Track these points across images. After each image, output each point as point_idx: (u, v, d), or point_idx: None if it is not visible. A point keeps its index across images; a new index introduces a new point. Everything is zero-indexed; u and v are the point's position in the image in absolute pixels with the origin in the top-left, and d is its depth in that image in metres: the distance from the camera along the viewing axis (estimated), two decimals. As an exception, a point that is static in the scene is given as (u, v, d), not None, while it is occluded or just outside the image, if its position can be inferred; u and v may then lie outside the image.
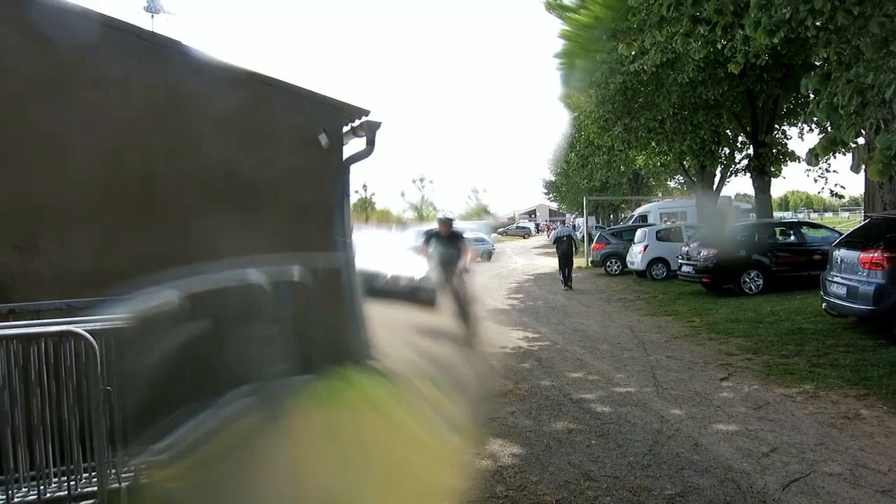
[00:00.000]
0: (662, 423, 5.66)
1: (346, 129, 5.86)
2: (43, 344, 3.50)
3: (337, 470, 4.06)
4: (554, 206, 70.18)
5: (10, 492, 3.46)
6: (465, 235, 9.57)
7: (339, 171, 5.80)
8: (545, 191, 52.96)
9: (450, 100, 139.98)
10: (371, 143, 5.82)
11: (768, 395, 6.40)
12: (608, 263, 21.28)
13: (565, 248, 17.39)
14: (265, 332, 4.38)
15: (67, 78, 4.70)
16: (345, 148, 6.05)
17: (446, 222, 9.10)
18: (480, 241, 33.33)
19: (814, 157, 7.03)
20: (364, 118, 5.68)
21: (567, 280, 17.24)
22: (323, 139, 5.49)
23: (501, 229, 68.93)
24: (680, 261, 15.02)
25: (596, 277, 20.84)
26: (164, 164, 5.01)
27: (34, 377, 3.47)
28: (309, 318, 4.78)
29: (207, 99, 5.19)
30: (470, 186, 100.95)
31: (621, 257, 20.56)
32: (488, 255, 32.59)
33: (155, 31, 5.05)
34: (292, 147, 5.53)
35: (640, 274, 18.81)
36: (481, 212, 68.68)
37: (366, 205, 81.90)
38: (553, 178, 47.43)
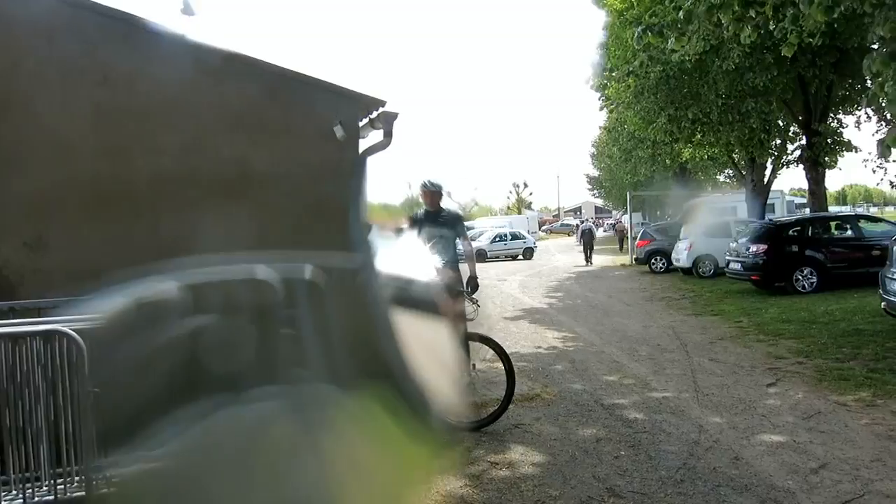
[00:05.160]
0: (700, 433, 5.25)
1: (364, 121, 5.62)
2: (28, 344, 3.36)
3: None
4: (599, 202, 68.92)
5: (-1, 495, 3.34)
6: (461, 216, 6.77)
7: (356, 163, 5.56)
8: (589, 186, 51.95)
9: (494, 95, 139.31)
10: (389, 135, 5.55)
11: (820, 403, 5.89)
12: (652, 261, 20.57)
13: (587, 237, 26.63)
14: (278, 332, 4.16)
15: (74, 74, 4.59)
16: (362, 140, 5.83)
17: (432, 191, 6.29)
18: (519, 237, 32.89)
19: (885, 148, 6.45)
20: (381, 109, 5.42)
21: (588, 258, 25.89)
22: (338, 131, 5.26)
23: (546, 227, 68.11)
24: (727, 257, 14.33)
25: (639, 275, 20.19)
26: (173, 160, 4.86)
27: (21, 378, 3.34)
28: (327, 322, 4.50)
29: (219, 92, 5.02)
30: (511, 181, 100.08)
31: (666, 254, 19.84)
32: (529, 253, 32.09)
33: (185, 30, 4.89)
34: (307, 139, 5.32)
35: (686, 271, 18.10)
36: (523, 207, 68.05)
37: (412, 204, 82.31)
38: (597, 174, 46.45)
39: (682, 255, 18.01)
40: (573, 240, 43.52)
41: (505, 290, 17.55)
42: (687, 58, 10.87)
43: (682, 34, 6.28)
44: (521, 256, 31.95)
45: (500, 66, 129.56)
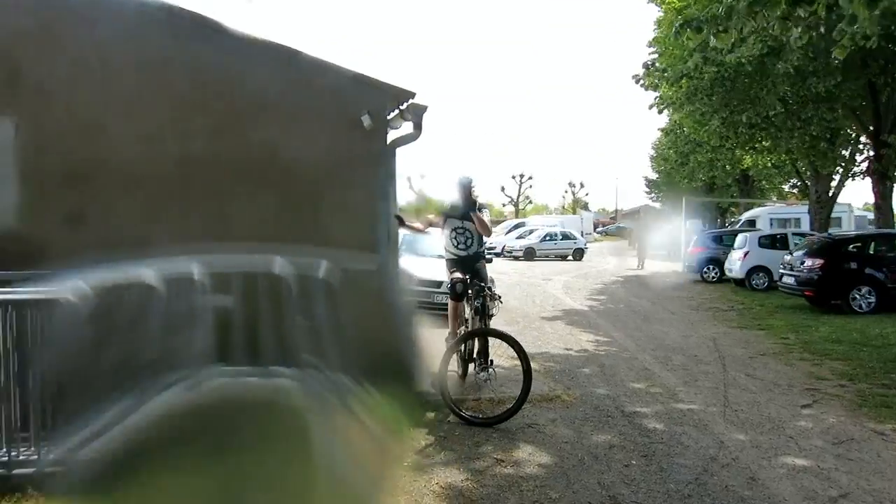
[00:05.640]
0: (720, 449, 5.07)
1: (393, 113, 5.64)
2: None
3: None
4: (658, 206, 67.28)
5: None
6: (477, 201, 6.52)
7: (384, 154, 5.60)
8: (647, 189, 50.68)
9: (549, 93, 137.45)
10: (418, 127, 5.57)
11: (855, 429, 5.59)
12: (705, 270, 19.95)
13: (641, 242, 27.23)
14: (291, 322, 4.25)
15: (112, 61, 4.77)
16: (394, 132, 5.86)
17: (461, 185, 6.36)
18: (570, 237, 32.45)
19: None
20: (410, 101, 5.44)
21: (641, 263, 26.04)
22: (366, 120, 5.30)
23: (601, 228, 66.92)
24: (781, 270, 13.76)
25: (690, 284, 19.62)
26: (203, 144, 5.00)
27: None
28: (337, 318, 4.56)
29: (250, 79, 5.13)
30: (567, 181, 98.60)
31: (720, 263, 19.20)
32: (579, 254, 31.64)
33: (246, 19, 5.03)
34: (335, 128, 5.38)
35: (739, 283, 17.48)
36: (578, 208, 67.09)
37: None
38: (655, 177, 45.28)
39: (735, 266, 17.40)
40: (627, 243, 42.67)
41: (548, 290, 17.37)
42: (744, 59, 10.44)
43: (722, 31, 5.98)
44: (570, 257, 31.56)
45: (560, 61, 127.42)
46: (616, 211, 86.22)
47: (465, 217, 6.37)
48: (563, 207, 75.13)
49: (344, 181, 5.42)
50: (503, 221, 47.79)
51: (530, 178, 69.53)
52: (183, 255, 4.09)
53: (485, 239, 6.71)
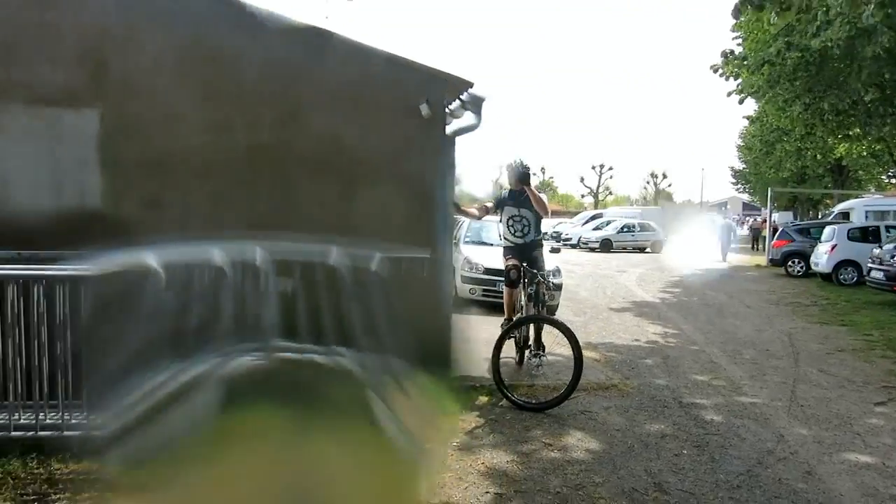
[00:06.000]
0: (778, 443, 4.95)
1: (455, 103, 5.76)
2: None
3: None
4: (746, 197, 64.25)
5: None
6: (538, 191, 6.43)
7: (444, 143, 5.75)
8: (733, 180, 48.48)
9: (632, 80, 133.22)
10: (478, 116, 5.68)
11: (931, 429, 5.32)
12: (789, 263, 19.02)
13: (725, 234, 25.90)
14: (344, 309, 4.50)
15: (188, 56, 5.14)
16: (457, 121, 5.98)
17: (517, 172, 6.33)
18: (649, 229, 31.62)
19: None
20: (469, 91, 5.55)
21: (724, 256, 25.24)
22: (424, 109, 5.46)
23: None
24: (869, 264, 12.98)
25: (772, 278, 18.76)
26: (270, 134, 5.30)
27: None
28: (390, 309, 4.78)
29: (316, 70, 5.39)
30: (649, 171, 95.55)
31: (805, 257, 18.25)
32: (658, 246, 30.79)
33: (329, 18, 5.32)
34: (395, 118, 5.56)
35: (826, 277, 16.58)
36: (661, 199, 65.06)
37: (544, 188, 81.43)
38: (742, 167, 43.28)
39: (821, 259, 16.52)
40: (711, 235, 41.10)
41: (620, 282, 17.08)
42: (829, 43, 9.83)
43: (785, 8, 5.68)
44: (649, 249, 30.76)
45: (639, 47, 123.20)
46: (702, 202, 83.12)
47: (522, 204, 6.43)
48: (645, 199, 73.06)
49: (403, 170, 5.61)
50: (579, 213, 47.04)
51: (610, 168, 68.03)
52: (248, 240, 4.39)
53: (544, 225, 6.74)
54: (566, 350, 6.24)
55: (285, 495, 3.56)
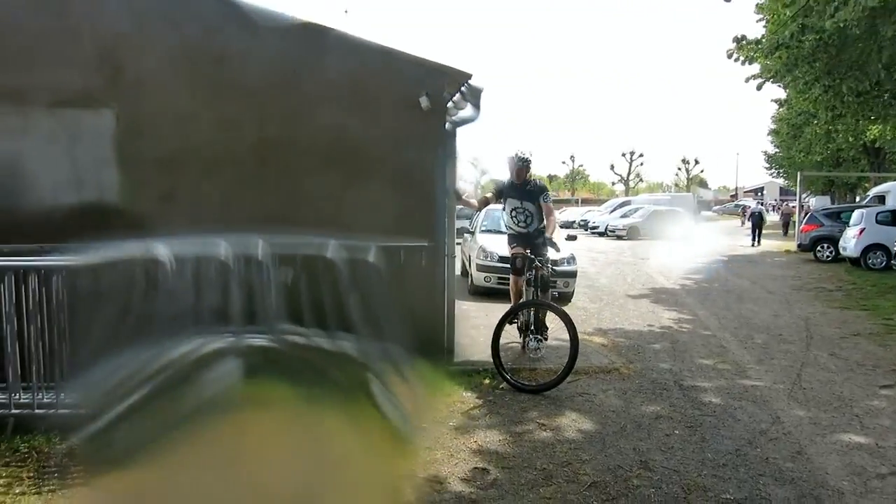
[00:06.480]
0: (773, 424, 5.02)
1: (455, 95, 5.91)
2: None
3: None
4: (782, 182, 62.83)
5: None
6: (547, 190, 6.78)
7: (443, 135, 5.90)
8: (766, 165, 47.43)
9: (662, 62, 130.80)
10: (477, 108, 5.83)
11: (933, 411, 5.31)
12: (818, 248, 18.68)
13: (756, 219, 26.15)
14: (346, 298, 4.72)
15: (196, 55, 5.39)
16: (461, 113, 6.13)
17: (521, 164, 6.49)
18: (677, 216, 31.25)
19: None
20: (467, 83, 5.68)
21: (755, 241, 25.52)
22: (424, 101, 5.62)
23: (717, 207, 63.67)
24: (895, 248, 12.73)
25: (800, 263, 18.47)
26: (276, 130, 5.54)
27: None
28: (386, 298, 4.99)
29: (318, 66, 5.59)
30: (680, 157, 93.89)
31: (834, 242, 17.92)
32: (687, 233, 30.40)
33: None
34: (395, 110, 5.73)
35: (854, 262, 16.27)
36: (693, 186, 64.08)
37: (574, 176, 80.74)
38: (775, 151, 42.32)
39: (849, 244, 16.20)
40: (741, 222, 40.45)
41: (642, 269, 17.02)
42: (842, 24, 9.60)
43: None
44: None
45: (662, 35, 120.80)
46: (737, 188, 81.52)
47: (524, 196, 6.55)
48: (677, 185, 72.06)
49: (404, 162, 5.78)
50: (607, 200, 46.68)
51: (641, 155, 67.21)
52: (252, 234, 4.65)
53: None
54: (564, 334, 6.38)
55: (278, 470, 3.80)
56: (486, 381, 5.89)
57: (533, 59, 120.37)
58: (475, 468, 4.11)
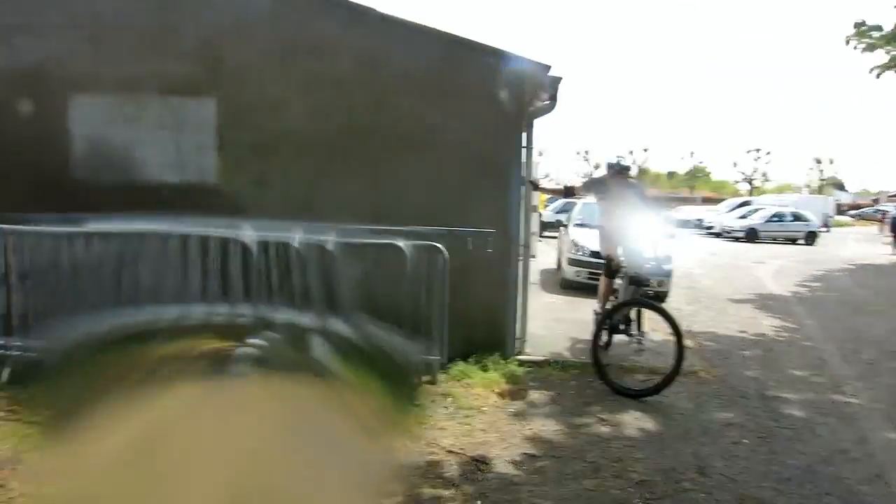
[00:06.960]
0: (857, 444, 4.67)
1: (532, 85, 5.91)
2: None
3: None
4: (933, 186, 56.55)
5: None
6: (645, 190, 6.80)
7: (521, 125, 5.94)
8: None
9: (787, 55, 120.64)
10: (554, 99, 5.82)
11: None
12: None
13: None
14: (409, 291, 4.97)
15: (290, 47, 5.75)
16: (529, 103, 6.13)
17: (617, 168, 6.42)
18: (802, 219, 29.07)
19: None
20: (546, 74, 5.68)
21: None
22: (503, 94, 5.68)
23: (854, 212, 58.42)
24: None
25: (941, 276, 16.68)
26: (362, 118, 5.80)
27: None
28: (437, 292, 5.18)
29: (402, 57, 5.79)
30: (813, 156, 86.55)
31: None
32: (812, 238, 28.26)
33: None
34: (474, 101, 5.82)
35: None
36: (826, 187, 59.20)
37: (695, 174, 76.90)
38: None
39: None
40: (882, 228, 36.91)
41: (754, 273, 16.06)
42: None
43: None
44: (801, 241, 28.33)
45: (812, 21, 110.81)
46: (879, 192, 74.44)
47: (619, 196, 6.34)
48: (808, 186, 66.83)
49: (481, 151, 5.87)
50: (725, 200, 44.10)
51: (768, 153, 62.89)
52: (328, 224, 5.02)
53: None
54: (657, 336, 6.16)
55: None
56: (554, 372, 5.89)
57: (651, 52, 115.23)
58: (524, 453, 4.17)
